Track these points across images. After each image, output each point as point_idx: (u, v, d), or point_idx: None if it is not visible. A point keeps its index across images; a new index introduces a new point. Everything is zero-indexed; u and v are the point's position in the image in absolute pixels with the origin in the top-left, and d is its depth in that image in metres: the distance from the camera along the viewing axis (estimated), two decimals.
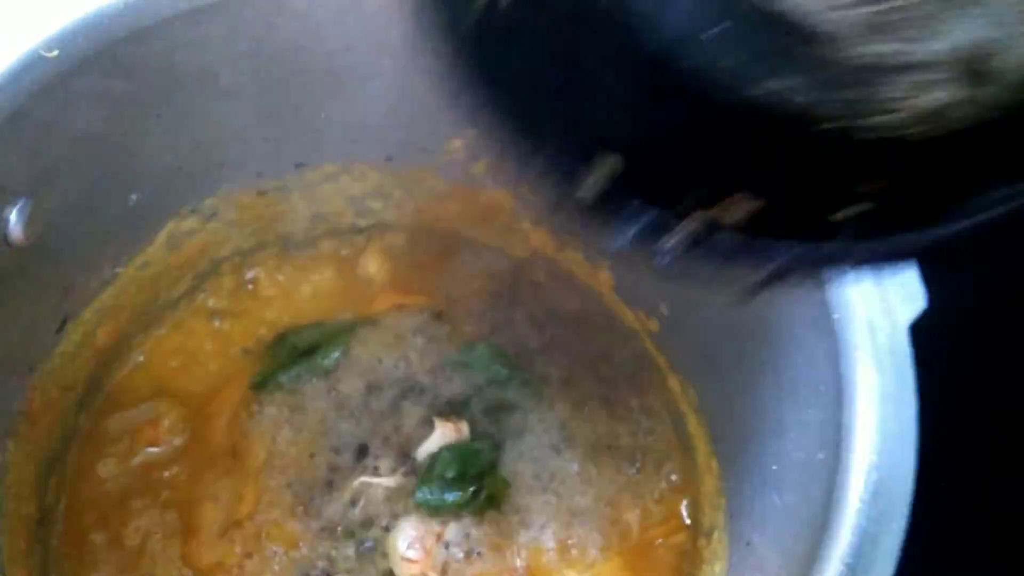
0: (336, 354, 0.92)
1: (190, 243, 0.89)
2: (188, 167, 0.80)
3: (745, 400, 0.75)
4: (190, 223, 0.86)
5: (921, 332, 0.59)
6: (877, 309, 0.59)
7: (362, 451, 0.89)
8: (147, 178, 0.77)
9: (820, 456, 0.61)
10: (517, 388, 0.92)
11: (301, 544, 0.84)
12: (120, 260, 0.83)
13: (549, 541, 0.86)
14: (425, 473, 0.87)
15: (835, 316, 0.60)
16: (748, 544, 0.70)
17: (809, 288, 0.63)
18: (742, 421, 0.76)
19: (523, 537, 0.86)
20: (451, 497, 0.86)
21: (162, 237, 0.85)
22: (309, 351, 0.92)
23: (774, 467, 0.69)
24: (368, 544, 0.85)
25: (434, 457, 0.88)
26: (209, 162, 0.81)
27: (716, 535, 0.80)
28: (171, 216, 0.84)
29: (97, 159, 0.72)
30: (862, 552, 0.53)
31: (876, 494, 0.54)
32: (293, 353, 0.92)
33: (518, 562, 0.85)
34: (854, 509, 0.54)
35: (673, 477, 0.90)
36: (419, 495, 0.86)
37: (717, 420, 0.82)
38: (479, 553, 0.85)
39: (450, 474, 0.87)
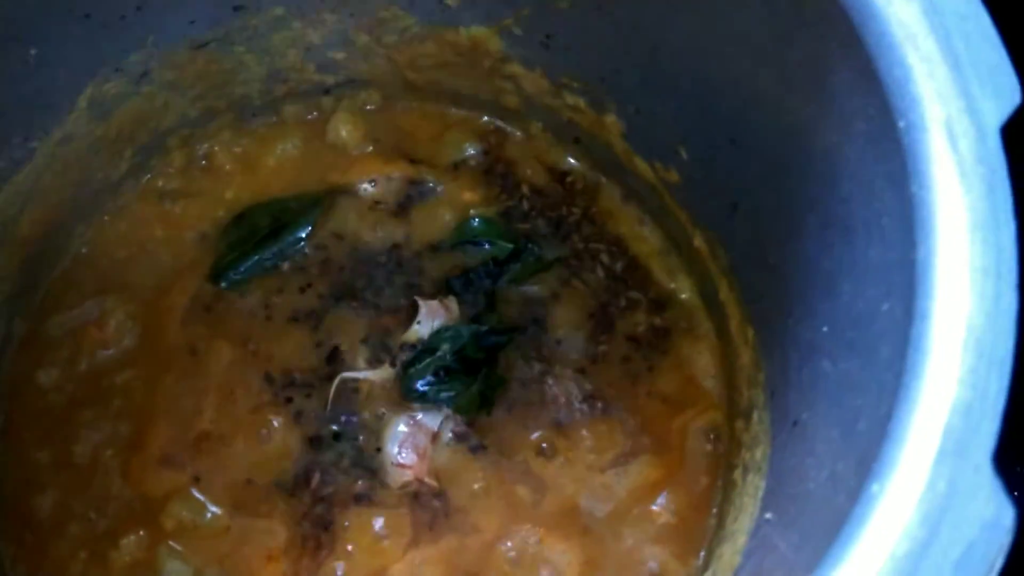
0: (306, 232, 0.80)
1: (122, 111, 0.75)
2: (98, 13, 0.66)
3: (786, 252, 0.61)
4: (115, 85, 0.73)
5: (1016, 135, 0.45)
6: (957, 108, 0.45)
7: (342, 344, 0.77)
8: (43, 26, 0.63)
9: (885, 307, 0.47)
10: (518, 266, 0.79)
11: (275, 456, 0.73)
12: (31, 133, 0.70)
13: (561, 440, 0.74)
14: (412, 362, 0.75)
15: (900, 123, 0.46)
16: (796, 424, 0.58)
17: (864, 90, 0.48)
18: (783, 278, 0.62)
19: (532, 435, 0.74)
20: (444, 390, 0.74)
21: (82, 103, 0.72)
22: (275, 231, 0.80)
23: (824, 328, 0.56)
24: (353, 452, 0.73)
25: (423, 344, 0.76)
26: (124, 5, 0.67)
27: (756, 416, 0.67)
28: (88, 77, 0.71)
29: None
30: (952, 427, 0.40)
31: (969, 349, 0.41)
32: (256, 234, 0.79)
33: (528, 465, 0.73)
34: (938, 370, 0.41)
35: (701, 353, 0.77)
36: (407, 386, 0.74)
37: (752, 281, 0.69)
38: (481, 454, 0.74)
39: (442, 361, 0.74)
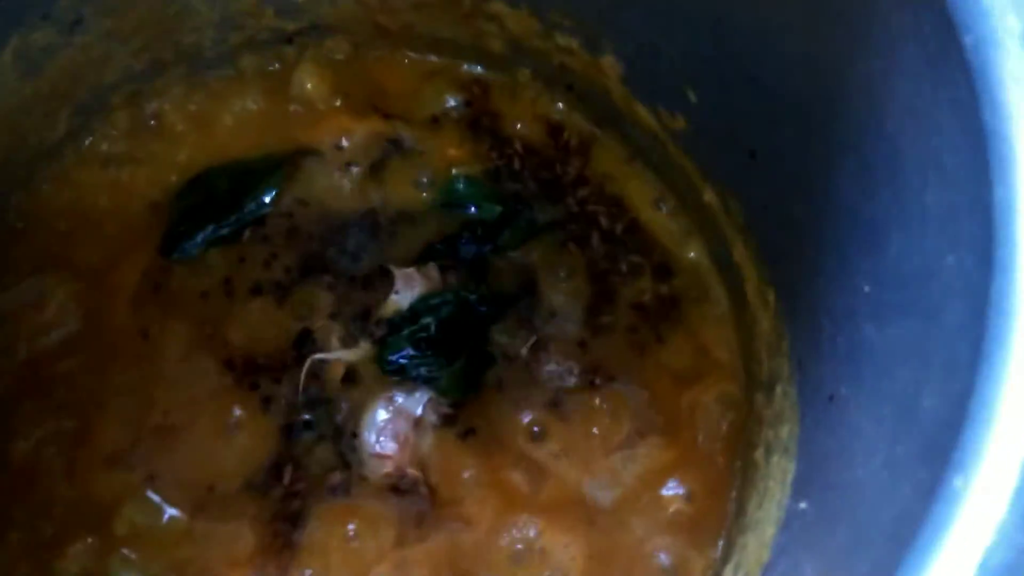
0: (270, 197, 0.71)
1: (54, 66, 0.66)
2: None
3: (816, 203, 0.53)
4: (44, 35, 0.64)
5: None
6: None
7: (312, 322, 0.68)
8: None
9: (951, 260, 0.39)
10: (508, 231, 0.71)
11: (240, 449, 0.65)
12: None
13: (560, 422, 0.66)
14: (390, 334, 0.67)
15: (966, 39, 0.38)
16: (832, 399, 0.50)
17: (915, 3, 0.40)
18: (810, 233, 0.54)
19: (527, 417, 0.66)
20: (425, 364, 0.66)
21: (6, 57, 0.63)
22: (234, 196, 0.71)
23: (866, 288, 0.48)
24: (327, 441, 0.65)
25: (403, 313, 0.67)
26: None
27: (780, 389, 0.60)
28: (11, 26, 0.62)
29: None
30: None
31: None
32: (213, 200, 0.71)
33: (523, 450, 0.66)
34: None
35: (714, 321, 0.69)
36: (384, 360, 0.66)
37: (772, 238, 0.61)
38: (470, 439, 0.66)
39: (425, 332, 0.66)
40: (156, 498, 0.64)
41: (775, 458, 0.58)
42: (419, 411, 0.65)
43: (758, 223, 0.62)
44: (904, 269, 0.43)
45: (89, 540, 0.63)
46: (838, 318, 0.50)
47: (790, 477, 0.54)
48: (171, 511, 0.64)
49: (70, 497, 0.64)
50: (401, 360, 0.66)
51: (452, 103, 0.76)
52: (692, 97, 0.63)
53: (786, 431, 0.57)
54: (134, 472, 0.64)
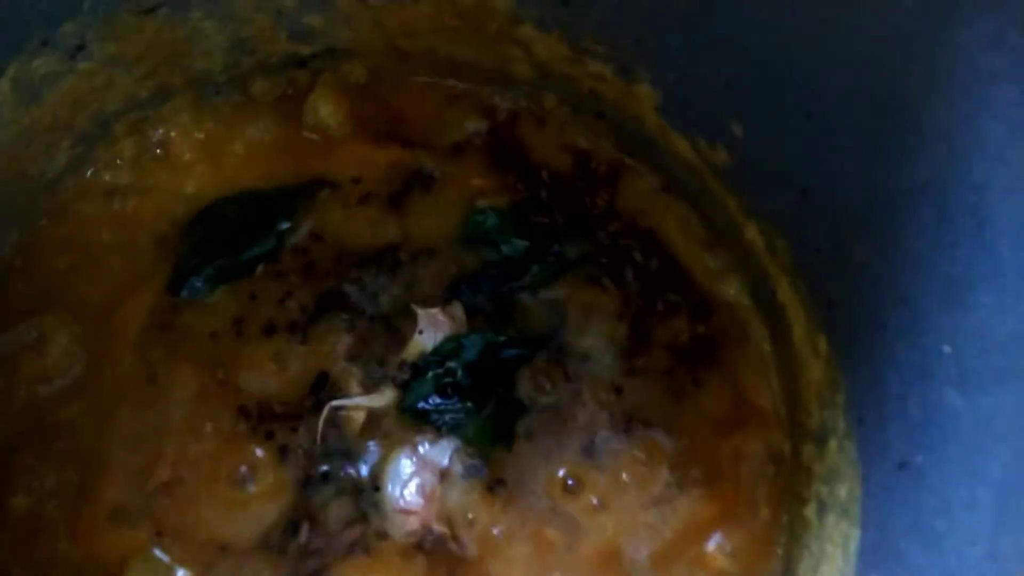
0: (284, 231, 0.67)
1: (55, 93, 0.62)
2: None
3: (881, 249, 0.49)
4: (45, 62, 0.60)
5: None
6: None
7: (330, 365, 0.64)
8: None
9: None
10: (537, 268, 0.67)
11: (254, 504, 0.61)
12: None
13: (595, 472, 0.62)
14: (414, 378, 0.63)
15: None
16: (904, 467, 0.46)
17: (1011, 43, 0.37)
18: (874, 280, 0.50)
19: (559, 468, 0.62)
20: (452, 412, 0.62)
21: (5, 85, 0.59)
22: (244, 230, 0.67)
23: (946, 348, 0.44)
24: (348, 495, 0.61)
25: (427, 356, 0.63)
26: None
27: (834, 444, 0.56)
28: (10, 52, 0.58)
29: None
30: None
31: None
32: (222, 235, 0.67)
33: (556, 503, 0.62)
34: None
35: (755, 365, 0.66)
36: (408, 407, 0.62)
37: (826, 281, 0.57)
38: (499, 491, 0.62)
39: (451, 376, 0.62)
40: (164, 557, 0.60)
41: (831, 518, 0.54)
42: (445, 462, 0.61)
43: (810, 265, 0.58)
44: (997, 333, 0.40)
45: None
46: (910, 378, 0.46)
47: (854, 545, 0.50)
48: (181, 572, 0.60)
49: (73, 555, 0.60)
50: (426, 407, 0.62)
51: (474, 130, 0.72)
52: (737, 130, 0.59)
53: (844, 491, 0.54)
54: (141, 529, 0.60)
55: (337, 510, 0.61)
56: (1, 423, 0.62)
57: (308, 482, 0.61)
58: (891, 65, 0.46)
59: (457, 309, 0.65)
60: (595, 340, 0.66)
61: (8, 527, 0.60)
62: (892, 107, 0.46)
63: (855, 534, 0.50)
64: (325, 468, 0.62)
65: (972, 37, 0.39)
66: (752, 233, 0.63)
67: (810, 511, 0.58)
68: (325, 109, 0.71)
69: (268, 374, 0.64)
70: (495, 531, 0.61)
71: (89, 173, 0.69)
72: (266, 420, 0.62)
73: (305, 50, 0.70)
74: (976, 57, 0.40)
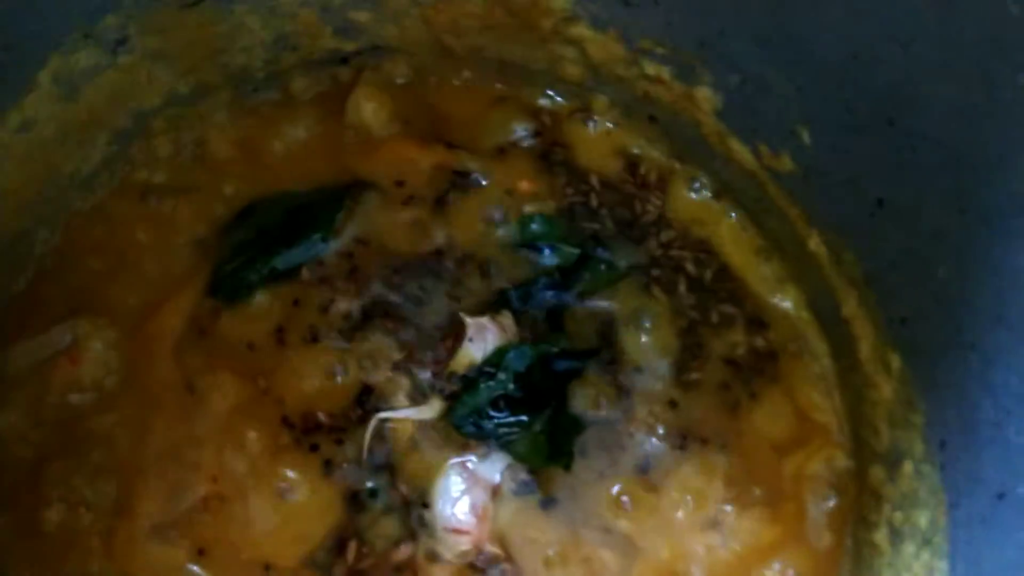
0: (327, 232, 0.65)
1: (93, 88, 0.60)
2: None
3: (974, 269, 0.47)
4: (85, 56, 0.58)
5: None
6: None
7: (376, 375, 0.62)
8: None
9: None
10: (587, 275, 0.65)
11: (298, 520, 0.58)
12: None
13: (650, 491, 0.60)
14: (464, 390, 0.60)
15: None
16: (1003, 497, 0.44)
17: None
18: (969, 300, 0.48)
19: (613, 486, 0.60)
20: (504, 427, 0.60)
21: (45, 79, 0.56)
22: (287, 232, 0.64)
23: None
24: (396, 512, 0.59)
25: (477, 368, 0.61)
26: None
27: (910, 467, 0.54)
28: (51, 46, 0.55)
29: None
30: None
31: None
32: (265, 237, 0.64)
33: (609, 522, 0.59)
34: None
35: (815, 380, 0.63)
36: (458, 422, 0.59)
37: (901, 296, 0.55)
38: (552, 510, 0.60)
39: (501, 387, 0.60)
40: None
41: (910, 547, 0.52)
42: (497, 478, 0.59)
43: (883, 279, 0.56)
44: None
45: None
46: (1008, 403, 0.44)
47: None
48: None
49: (107, 573, 0.57)
50: (477, 420, 0.60)
51: (521, 132, 0.70)
52: (805, 137, 0.57)
53: (925, 519, 0.51)
54: (180, 546, 0.58)
55: (385, 528, 0.59)
56: (32, 431, 0.60)
57: (355, 498, 0.59)
58: (990, 74, 0.43)
59: (507, 318, 0.63)
60: (648, 352, 0.64)
61: (39, 541, 0.58)
62: (986, 122, 0.44)
63: (941, 567, 0.48)
64: (372, 484, 0.59)
65: None
66: (815, 243, 0.61)
67: (880, 537, 0.55)
68: (368, 108, 0.68)
69: (311, 383, 0.61)
70: (549, 552, 0.59)
71: (124, 172, 0.66)
72: (310, 432, 0.60)
73: (349, 46, 0.68)
74: None
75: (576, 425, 0.61)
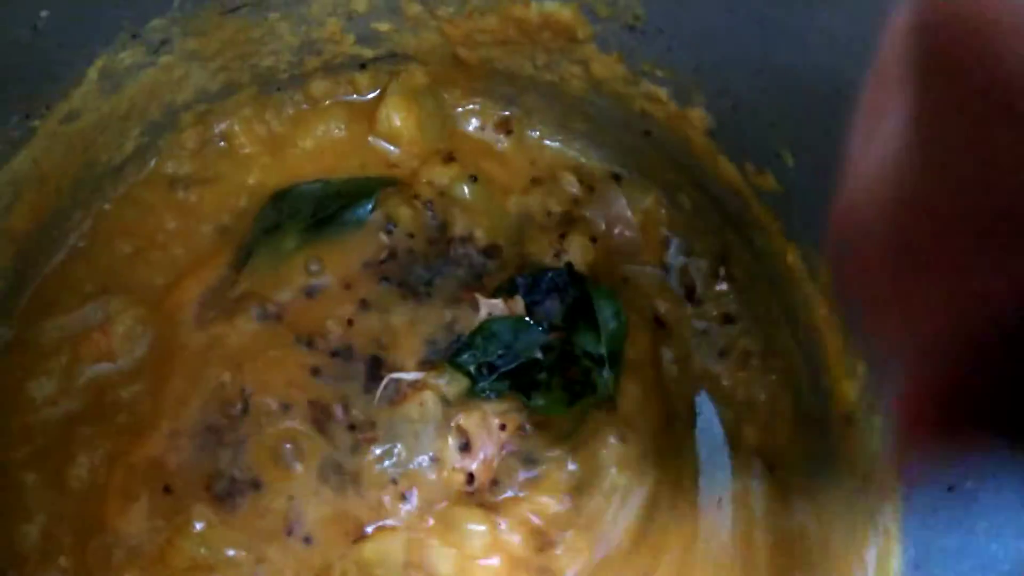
0: (366, 215, 0.69)
1: (134, 84, 0.65)
2: None
3: None
4: (131, 54, 0.62)
5: None
6: None
7: (392, 345, 0.67)
8: None
9: None
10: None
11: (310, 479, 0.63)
12: (34, 109, 0.59)
13: None
14: (469, 356, 0.66)
15: None
16: (951, 490, 0.49)
17: None
18: None
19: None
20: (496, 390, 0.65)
21: (93, 75, 0.61)
22: (322, 215, 0.69)
23: None
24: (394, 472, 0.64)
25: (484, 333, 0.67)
26: None
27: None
28: (102, 45, 0.60)
29: None
30: None
31: None
32: (297, 217, 0.69)
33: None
34: None
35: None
36: (464, 385, 0.66)
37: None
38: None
39: (486, 355, 0.65)
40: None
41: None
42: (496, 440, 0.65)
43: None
44: None
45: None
46: None
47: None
48: (230, 552, 0.62)
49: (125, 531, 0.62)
50: (481, 386, 0.65)
51: None
52: (788, 159, 0.62)
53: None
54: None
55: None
56: (64, 399, 0.64)
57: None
58: None
59: (518, 304, 0.68)
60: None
61: (65, 495, 0.62)
62: None
63: (895, 549, 0.54)
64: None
65: None
66: (793, 257, 0.66)
67: None
68: (398, 117, 0.73)
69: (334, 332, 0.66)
70: None
71: (153, 162, 0.71)
72: (322, 408, 0.65)
73: (368, 53, 0.73)
74: None
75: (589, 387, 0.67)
